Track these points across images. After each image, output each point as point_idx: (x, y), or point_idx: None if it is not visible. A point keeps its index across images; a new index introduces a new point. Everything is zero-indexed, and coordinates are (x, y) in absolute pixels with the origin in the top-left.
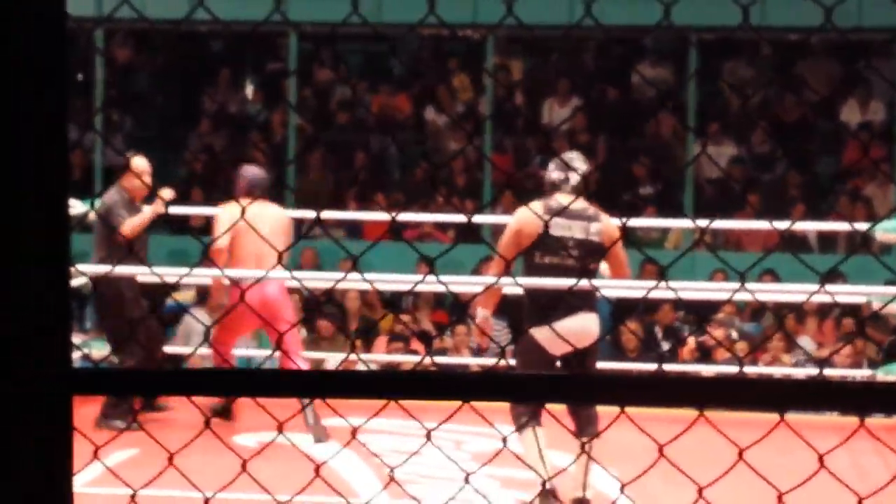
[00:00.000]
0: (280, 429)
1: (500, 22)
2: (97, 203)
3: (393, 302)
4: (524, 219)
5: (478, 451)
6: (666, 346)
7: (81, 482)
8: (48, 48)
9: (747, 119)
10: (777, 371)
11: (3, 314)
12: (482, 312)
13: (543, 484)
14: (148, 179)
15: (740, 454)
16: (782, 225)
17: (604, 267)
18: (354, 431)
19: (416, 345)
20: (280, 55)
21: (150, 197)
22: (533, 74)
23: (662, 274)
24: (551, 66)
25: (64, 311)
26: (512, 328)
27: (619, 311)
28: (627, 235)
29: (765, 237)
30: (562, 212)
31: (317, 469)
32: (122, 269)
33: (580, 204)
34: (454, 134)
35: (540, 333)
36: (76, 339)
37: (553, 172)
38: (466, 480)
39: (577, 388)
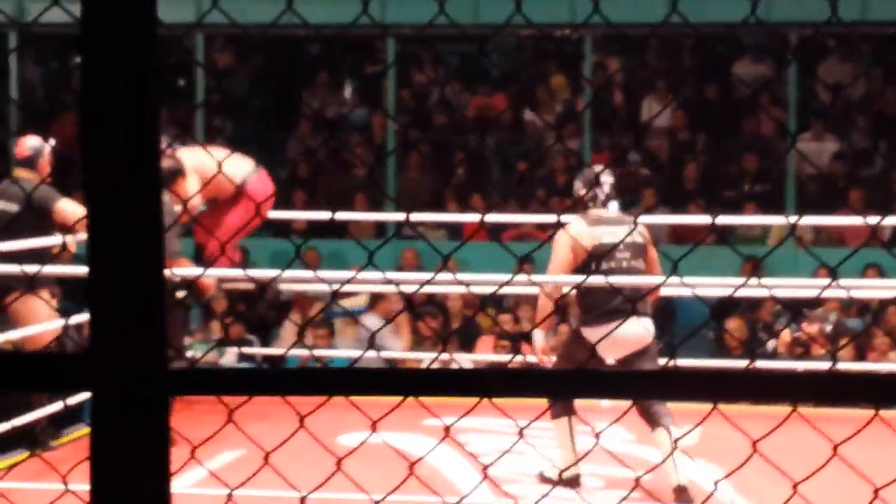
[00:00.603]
0: (374, 428)
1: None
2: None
3: (495, 302)
4: (575, 233)
5: (579, 449)
6: (770, 342)
7: (188, 483)
8: (139, 55)
9: (848, 114)
10: (885, 367)
11: (100, 316)
12: (540, 339)
13: (562, 470)
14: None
15: (835, 449)
16: (885, 220)
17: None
18: (447, 430)
19: (523, 347)
20: (378, 57)
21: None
22: (631, 73)
23: (756, 269)
24: (649, 65)
25: (159, 312)
26: None
27: (721, 309)
28: (727, 232)
29: (868, 232)
30: (604, 221)
31: (410, 467)
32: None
33: (614, 212)
34: (553, 133)
35: (593, 336)
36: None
37: (581, 189)
38: (560, 478)
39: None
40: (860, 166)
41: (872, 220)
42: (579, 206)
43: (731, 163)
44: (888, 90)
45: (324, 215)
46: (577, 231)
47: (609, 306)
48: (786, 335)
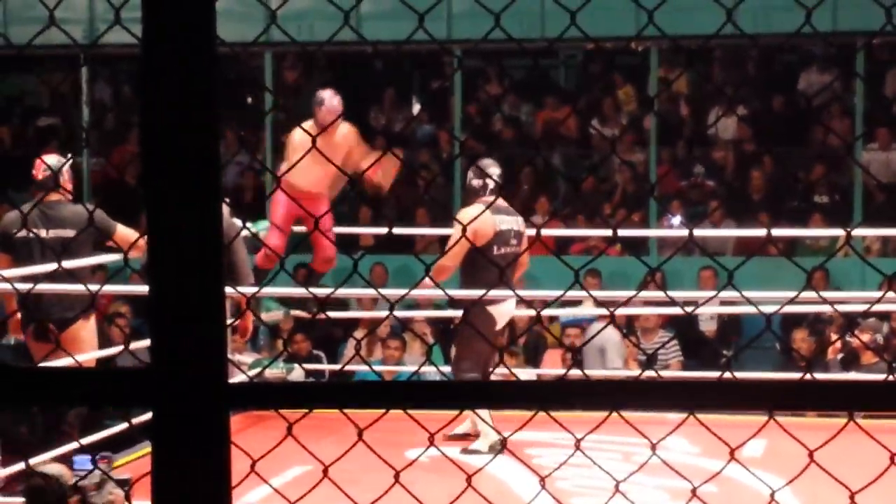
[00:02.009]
0: (431, 441)
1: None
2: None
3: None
4: (476, 221)
5: (650, 462)
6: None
7: (257, 498)
8: (198, 74)
9: None
10: None
11: (161, 333)
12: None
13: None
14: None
15: (892, 458)
16: None
17: None
18: (504, 442)
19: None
20: (444, 72)
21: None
22: (697, 85)
23: (818, 281)
24: (715, 77)
25: (220, 327)
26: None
27: (788, 322)
28: (796, 244)
29: None
30: (501, 210)
31: (468, 479)
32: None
33: (502, 202)
34: (620, 146)
35: (498, 312)
36: (249, 357)
37: (473, 180)
38: (616, 489)
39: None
40: None
41: None
42: (471, 195)
43: (798, 173)
44: None
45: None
46: (477, 219)
47: (502, 286)
48: (837, 344)
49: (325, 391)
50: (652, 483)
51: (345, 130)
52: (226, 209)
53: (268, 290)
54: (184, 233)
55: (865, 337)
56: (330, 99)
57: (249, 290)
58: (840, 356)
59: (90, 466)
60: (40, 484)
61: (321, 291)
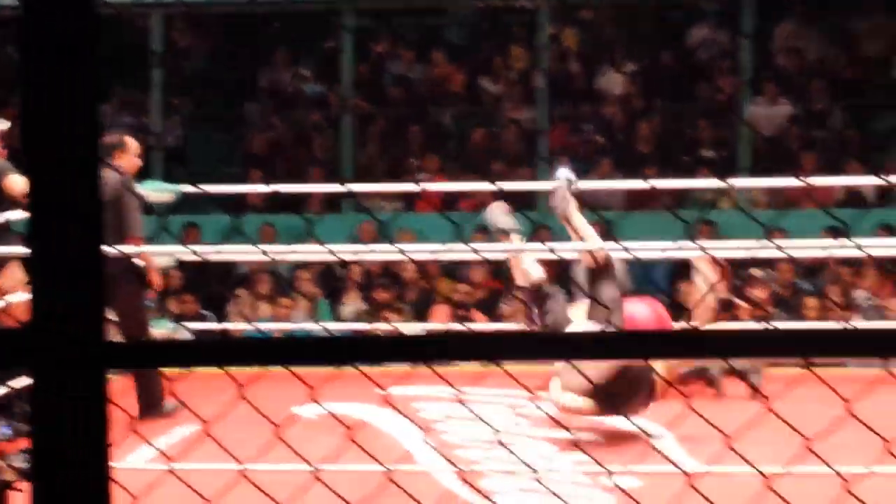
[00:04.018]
0: (314, 398)
1: None
2: (159, 186)
3: (449, 272)
4: None
5: (534, 414)
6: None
7: (144, 459)
8: (76, 34)
9: (803, 78)
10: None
11: (40, 289)
12: None
13: None
14: (139, 160)
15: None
16: (839, 181)
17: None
18: (386, 396)
19: (475, 313)
20: (335, 32)
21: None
22: (587, 42)
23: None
24: (605, 34)
25: (98, 286)
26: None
27: (677, 273)
28: (684, 198)
29: (822, 194)
30: None
31: (349, 432)
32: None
33: None
34: (510, 104)
35: None
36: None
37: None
38: (500, 442)
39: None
40: (814, 129)
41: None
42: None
43: (686, 128)
44: (842, 53)
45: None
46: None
47: None
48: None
49: (204, 349)
50: (539, 434)
51: None
52: (114, 172)
53: (152, 248)
54: (61, 192)
55: (761, 291)
56: None
57: (133, 249)
58: (721, 298)
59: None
60: None
61: (206, 250)
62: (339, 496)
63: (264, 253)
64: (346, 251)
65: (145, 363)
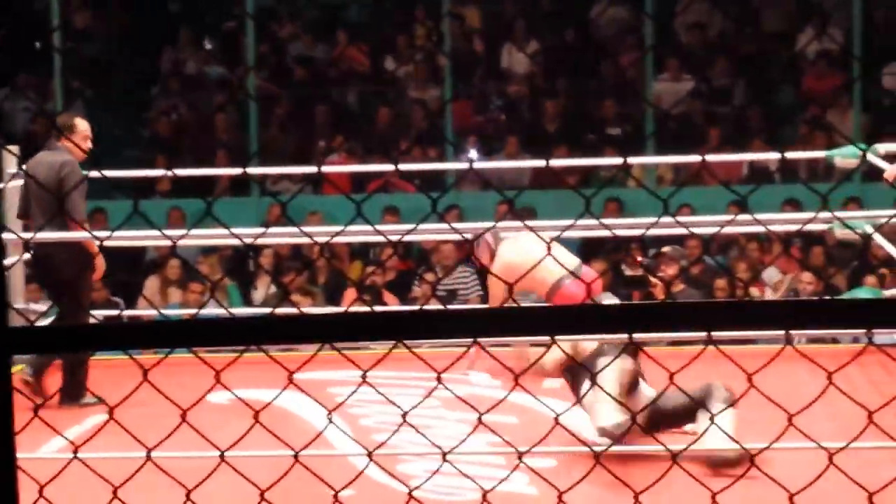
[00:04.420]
0: (217, 380)
1: None
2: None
3: (362, 254)
4: None
5: (449, 396)
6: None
7: (56, 448)
8: None
9: (705, 53)
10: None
11: None
12: None
13: None
14: (89, 142)
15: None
16: (743, 157)
17: None
18: (290, 376)
19: (386, 296)
20: (237, 13)
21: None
22: (490, 20)
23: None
24: (508, 11)
25: (0, 272)
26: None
27: (587, 251)
28: (590, 176)
29: (727, 170)
30: None
31: (255, 415)
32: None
33: None
34: (414, 83)
35: None
36: (44, 305)
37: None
38: (404, 418)
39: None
40: (718, 103)
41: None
42: None
43: (592, 106)
44: (744, 29)
45: (186, 173)
46: None
47: None
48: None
49: (108, 334)
50: (454, 416)
51: None
52: (60, 154)
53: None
54: None
55: (672, 269)
56: None
57: (25, 235)
58: (630, 274)
59: None
60: None
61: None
62: (250, 481)
63: (170, 238)
64: (254, 234)
65: (50, 348)
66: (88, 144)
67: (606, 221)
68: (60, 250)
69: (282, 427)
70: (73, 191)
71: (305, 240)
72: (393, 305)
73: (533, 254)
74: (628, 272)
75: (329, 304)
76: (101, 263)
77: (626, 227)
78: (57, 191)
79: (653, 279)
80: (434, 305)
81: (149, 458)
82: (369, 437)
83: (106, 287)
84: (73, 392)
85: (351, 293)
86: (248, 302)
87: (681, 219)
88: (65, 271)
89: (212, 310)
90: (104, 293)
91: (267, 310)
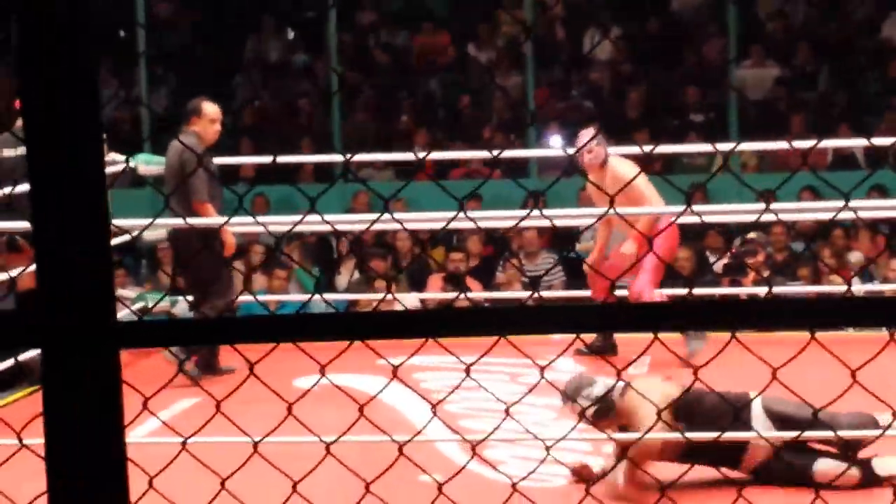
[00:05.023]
0: (322, 372)
1: None
2: (150, 158)
3: (444, 241)
4: None
5: (534, 382)
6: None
7: (142, 433)
8: (71, 10)
9: (789, 40)
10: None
11: (48, 273)
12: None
13: None
14: (217, 125)
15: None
16: (829, 143)
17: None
18: (395, 370)
19: (469, 281)
20: (319, 1)
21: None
22: (572, 7)
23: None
24: None
25: (106, 266)
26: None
27: None
28: (674, 163)
29: (812, 157)
30: None
31: (361, 408)
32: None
33: None
34: (497, 71)
35: None
36: (131, 292)
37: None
38: (507, 413)
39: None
40: (801, 91)
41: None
42: None
43: (674, 93)
44: (828, 15)
45: (270, 160)
46: None
47: None
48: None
49: (215, 328)
50: (540, 402)
51: None
52: (186, 138)
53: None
54: (65, 170)
55: (760, 256)
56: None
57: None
58: (724, 262)
59: None
60: None
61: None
62: (354, 473)
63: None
64: (341, 221)
65: (157, 342)
66: (217, 128)
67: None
68: (190, 233)
69: (370, 414)
70: (199, 173)
71: (394, 226)
72: (476, 291)
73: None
74: (714, 260)
75: (412, 290)
76: (230, 240)
77: (713, 213)
78: (178, 174)
79: (745, 265)
80: (519, 292)
81: (255, 449)
82: (456, 423)
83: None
84: (211, 362)
85: (436, 279)
86: (331, 288)
87: (766, 206)
88: (197, 253)
89: (292, 296)
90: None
91: (351, 296)
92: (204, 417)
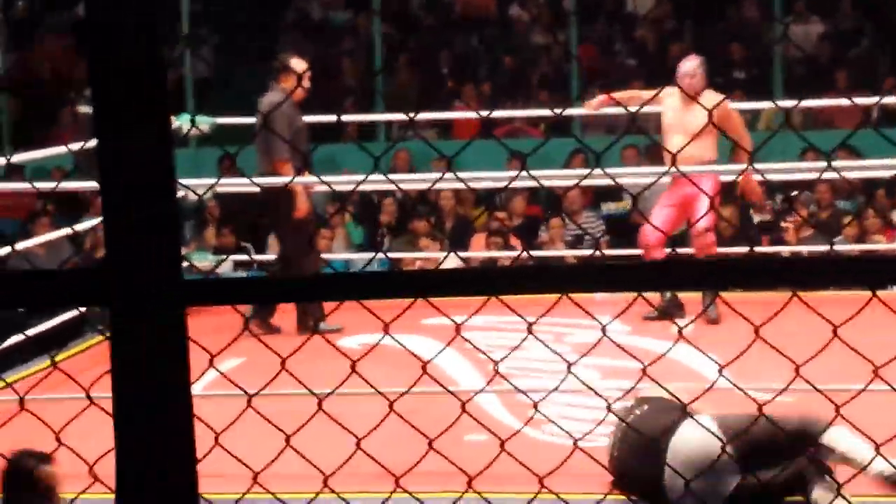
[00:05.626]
0: (386, 330)
1: None
2: (197, 118)
3: (487, 199)
4: None
5: (579, 342)
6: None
7: (198, 388)
8: None
9: None
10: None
11: (117, 230)
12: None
13: None
14: (307, 82)
15: (835, 331)
16: (870, 101)
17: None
18: (458, 328)
19: (513, 240)
20: None
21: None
22: None
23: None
24: None
25: (174, 224)
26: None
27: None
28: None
29: (855, 114)
30: None
31: (424, 366)
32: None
33: None
34: (539, 28)
35: None
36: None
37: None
38: (569, 370)
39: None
40: (846, 47)
41: (858, 101)
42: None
43: (718, 49)
44: None
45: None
46: None
47: None
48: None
49: (281, 287)
50: (583, 362)
51: None
52: (273, 95)
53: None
54: (130, 131)
55: (803, 213)
56: None
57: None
58: (761, 220)
59: None
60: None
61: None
62: (423, 434)
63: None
64: (383, 181)
65: (224, 300)
66: (306, 84)
67: (735, 167)
68: (267, 192)
69: (414, 373)
70: (283, 130)
71: (438, 185)
72: (520, 250)
73: None
74: (757, 217)
75: (455, 248)
76: (302, 203)
77: (772, 171)
78: (261, 130)
79: (783, 224)
80: (563, 250)
81: (320, 406)
82: (502, 382)
83: (233, 233)
84: (310, 322)
85: (479, 239)
86: (374, 247)
87: (809, 164)
88: (271, 212)
89: (337, 255)
90: (231, 238)
91: (394, 255)
92: (250, 375)
